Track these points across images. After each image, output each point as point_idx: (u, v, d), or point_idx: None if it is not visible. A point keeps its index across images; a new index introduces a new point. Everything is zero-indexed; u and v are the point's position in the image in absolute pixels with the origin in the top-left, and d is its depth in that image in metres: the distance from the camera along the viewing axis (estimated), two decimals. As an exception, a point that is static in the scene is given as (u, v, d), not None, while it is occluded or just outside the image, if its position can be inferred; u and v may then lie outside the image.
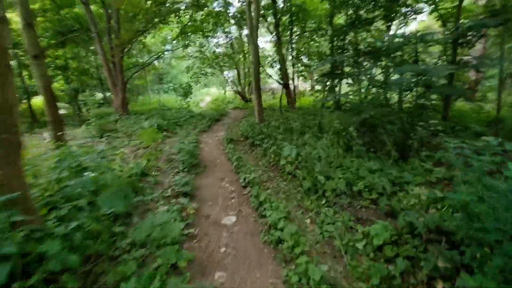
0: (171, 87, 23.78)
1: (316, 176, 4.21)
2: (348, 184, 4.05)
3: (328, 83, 9.99)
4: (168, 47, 30.92)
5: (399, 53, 6.43)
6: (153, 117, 12.35)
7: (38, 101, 16.53)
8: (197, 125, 11.91)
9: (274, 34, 16.24)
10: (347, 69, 8.80)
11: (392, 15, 9.52)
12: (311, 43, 15.51)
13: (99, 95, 17.36)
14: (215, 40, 21.22)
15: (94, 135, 9.64)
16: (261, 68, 20.61)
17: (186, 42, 16.34)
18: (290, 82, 15.85)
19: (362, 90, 6.59)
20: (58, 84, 14.85)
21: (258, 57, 9.34)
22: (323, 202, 4.05)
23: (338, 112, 9.07)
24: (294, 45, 15.50)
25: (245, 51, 20.78)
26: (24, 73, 14.03)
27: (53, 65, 13.38)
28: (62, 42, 12.91)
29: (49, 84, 6.12)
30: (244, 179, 5.39)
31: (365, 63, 7.13)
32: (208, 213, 4.30)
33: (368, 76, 6.28)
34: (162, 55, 18.18)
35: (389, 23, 10.41)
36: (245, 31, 21.14)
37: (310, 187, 4.30)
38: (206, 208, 4.50)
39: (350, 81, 7.41)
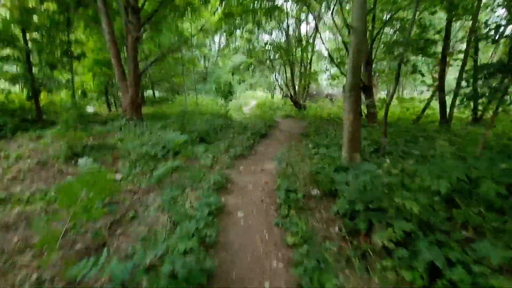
0: (213, 88, 19.76)
1: None
2: None
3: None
4: (215, 44, 27.23)
5: None
6: (172, 125, 8.01)
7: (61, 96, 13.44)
8: (233, 142, 7.23)
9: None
10: None
11: None
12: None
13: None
14: (266, 37, 16.60)
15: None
16: (324, 66, 15.49)
17: (231, 28, 11.84)
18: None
19: None
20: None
21: (365, 24, 4.13)
22: None
23: None
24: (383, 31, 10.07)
25: (304, 44, 15.73)
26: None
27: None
28: (68, 19, 9.26)
29: None
30: None
31: None
32: None
33: None
34: (191, 42, 13.91)
35: None
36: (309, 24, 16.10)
37: None
38: None
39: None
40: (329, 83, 16.46)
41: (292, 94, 16.75)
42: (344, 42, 9.45)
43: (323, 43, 9.94)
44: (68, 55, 9.98)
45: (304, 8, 14.72)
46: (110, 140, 6.73)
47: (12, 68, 10.86)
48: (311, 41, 15.83)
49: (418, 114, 11.21)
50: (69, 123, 5.85)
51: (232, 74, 12.00)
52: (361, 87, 10.07)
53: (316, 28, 10.48)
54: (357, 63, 4.02)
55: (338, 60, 11.91)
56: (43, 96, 11.09)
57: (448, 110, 9.81)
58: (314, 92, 23.15)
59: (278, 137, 8.65)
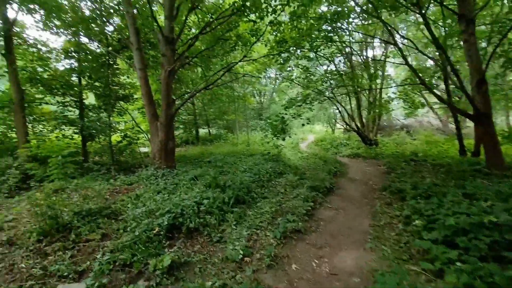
0: (267, 123, 18.17)
1: None
2: None
3: None
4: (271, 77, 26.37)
5: None
6: (206, 175, 6.11)
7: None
8: (283, 204, 4.89)
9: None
10: None
11: None
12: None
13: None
14: (324, 67, 14.40)
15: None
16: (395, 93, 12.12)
17: (285, 56, 10.06)
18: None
19: None
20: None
21: None
22: None
23: None
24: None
25: (373, 69, 13.00)
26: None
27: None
28: (108, 61, 8.75)
29: None
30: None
31: None
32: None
33: None
34: (235, 72, 12.60)
35: None
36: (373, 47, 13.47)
37: None
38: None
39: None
40: (406, 113, 12.98)
41: (360, 127, 13.77)
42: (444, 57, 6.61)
43: (405, 61, 7.27)
44: (110, 96, 9.41)
45: (371, 27, 12.33)
46: (123, 198, 5.11)
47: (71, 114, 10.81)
48: (381, 64, 13.06)
49: None
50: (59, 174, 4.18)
51: (286, 108, 9.95)
52: (473, 114, 6.85)
53: (395, 44, 7.85)
54: None
55: (427, 81, 8.80)
56: (97, 140, 10.62)
57: None
58: (385, 124, 19.44)
59: (350, 193, 5.91)
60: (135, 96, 10.74)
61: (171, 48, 6.64)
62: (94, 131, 9.54)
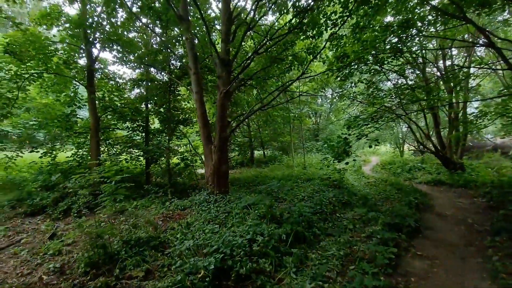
0: (324, 145, 16.97)
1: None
2: None
3: None
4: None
5: None
6: (260, 203, 5.48)
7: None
8: (354, 245, 3.90)
9: None
10: None
11: None
12: None
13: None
14: (391, 81, 12.88)
15: None
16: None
17: (347, 70, 9.16)
18: None
19: None
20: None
21: None
22: None
23: None
24: None
25: (454, 80, 11.01)
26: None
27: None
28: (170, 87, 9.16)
29: None
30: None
31: None
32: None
33: None
34: (291, 91, 12.03)
35: None
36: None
37: None
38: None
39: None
40: (508, 130, 10.37)
41: (439, 148, 11.57)
42: None
43: (509, 66, 5.69)
44: (171, 120, 9.80)
45: (450, 32, 10.59)
46: (174, 226, 4.80)
47: (138, 138, 11.53)
48: (464, 74, 11.00)
49: None
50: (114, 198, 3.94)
51: (348, 128, 8.87)
52: None
53: (492, 46, 6.28)
54: None
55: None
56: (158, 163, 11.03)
57: None
58: (470, 144, 16.22)
59: (445, 236, 4.51)
60: (194, 120, 11.07)
61: (226, 70, 6.50)
62: (155, 155, 9.97)
